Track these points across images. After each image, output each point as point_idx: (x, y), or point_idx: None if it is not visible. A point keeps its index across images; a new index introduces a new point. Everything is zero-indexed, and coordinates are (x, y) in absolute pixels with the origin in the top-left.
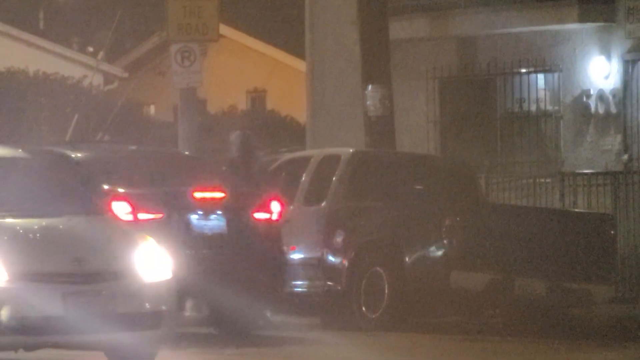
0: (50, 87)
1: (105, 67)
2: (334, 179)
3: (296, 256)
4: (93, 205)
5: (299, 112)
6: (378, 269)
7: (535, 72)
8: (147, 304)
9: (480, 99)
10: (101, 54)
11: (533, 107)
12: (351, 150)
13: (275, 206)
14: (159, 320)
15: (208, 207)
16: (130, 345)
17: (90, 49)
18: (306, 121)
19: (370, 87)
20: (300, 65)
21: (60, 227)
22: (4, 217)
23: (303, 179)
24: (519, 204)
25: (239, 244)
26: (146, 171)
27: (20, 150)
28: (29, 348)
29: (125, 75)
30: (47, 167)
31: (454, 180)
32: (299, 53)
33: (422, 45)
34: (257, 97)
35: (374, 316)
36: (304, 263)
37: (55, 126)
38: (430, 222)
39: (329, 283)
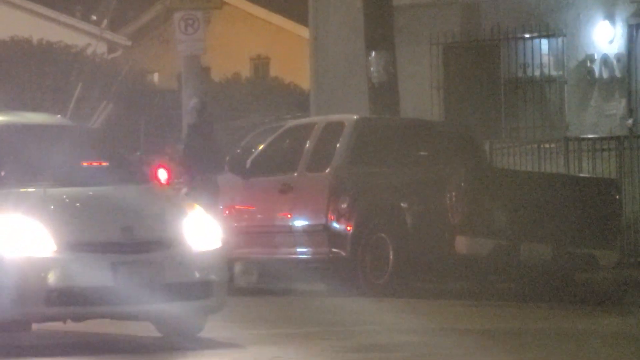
0: (54, 55)
1: (108, 35)
2: (338, 145)
3: (300, 223)
4: (141, 174)
5: (303, 79)
6: (382, 235)
7: (539, 37)
8: (196, 274)
9: (484, 64)
10: (105, 22)
11: (537, 73)
12: (355, 117)
13: (162, 174)
14: (209, 290)
15: None
16: (179, 315)
17: (94, 18)
18: (310, 88)
19: (373, 53)
20: (304, 32)
21: (109, 195)
22: (50, 186)
23: (307, 145)
24: (523, 169)
25: None
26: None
27: (59, 117)
28: (77, 319)
29: (129, 43)
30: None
31: (458, 146)
32: (302, 20)
33: (426, 10)
34: (261, 64)
35: (378, 282)
36: (308, 230)
37: (59, 95)
38: (434, 187)
39: (334, 249)
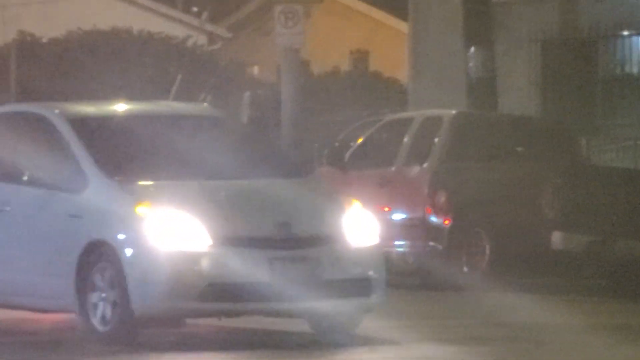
0: (154, 46)
1: (209, 27)
2: (436, 140)
3: (398, 216)
4: (296, 168)
5: (402, 73)
6: (479, 229)
7: (638, 34)
8: (355, 270)
9: (581, 61)
10: (205, 14)
11: (635, 70)
12: (454, 112)
13: None
14: (368, 287)
15: None
16: (336, 313)
17: (195, 9)
18: (408, 82)
19: (472, 48)
20: (403, 27)
21: (264, 189)
22: (204, 179)
23: (405, 140)
24: (619, 166)
25: None
26: None
27: (205, 105)
28: (231, 315)
29: (229, 35)
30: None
31: (554, 142)
32: (402, 14)
33: (524, 7)
34: (360, 58)
35: (474, 276)
36: (405, 223)
37: (158, 85)
38: (531, 183)
39: (431, 243)
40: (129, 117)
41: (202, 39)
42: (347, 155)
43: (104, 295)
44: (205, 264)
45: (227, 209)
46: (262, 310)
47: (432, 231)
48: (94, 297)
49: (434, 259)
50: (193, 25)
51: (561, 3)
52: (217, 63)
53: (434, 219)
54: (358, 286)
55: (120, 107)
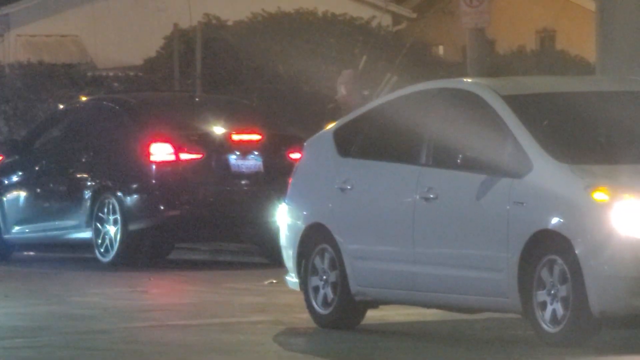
0: (339, 28)
1: (393, 7)
2: None
3: None
4: None
5: (589, 52)
6: None
7: None
8: None
9: None
10: None
11: None
12: None
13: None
14: None
15: (245, 148)
16: None
17: None
18: (595, 62)
19: None
20: (590, 5)
21: None
22: None
23: None
24: None
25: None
26: (189, 114)
27: None
28: None
29: (414, 15)
30: None
31: None
32: None
33: None
34: (547, 37)
35: None
36: None
37: (345, 67)
38: None
39: None
40: (568, 94)
41: (387, 20)
42: None
43: (552, 291)
44: None
45: None
46: None
47: None
48: (541, 294)
49: None
50: (377, 6)
51: None
52: (402, 43)
53: None
54: None
55: (555, 82)
